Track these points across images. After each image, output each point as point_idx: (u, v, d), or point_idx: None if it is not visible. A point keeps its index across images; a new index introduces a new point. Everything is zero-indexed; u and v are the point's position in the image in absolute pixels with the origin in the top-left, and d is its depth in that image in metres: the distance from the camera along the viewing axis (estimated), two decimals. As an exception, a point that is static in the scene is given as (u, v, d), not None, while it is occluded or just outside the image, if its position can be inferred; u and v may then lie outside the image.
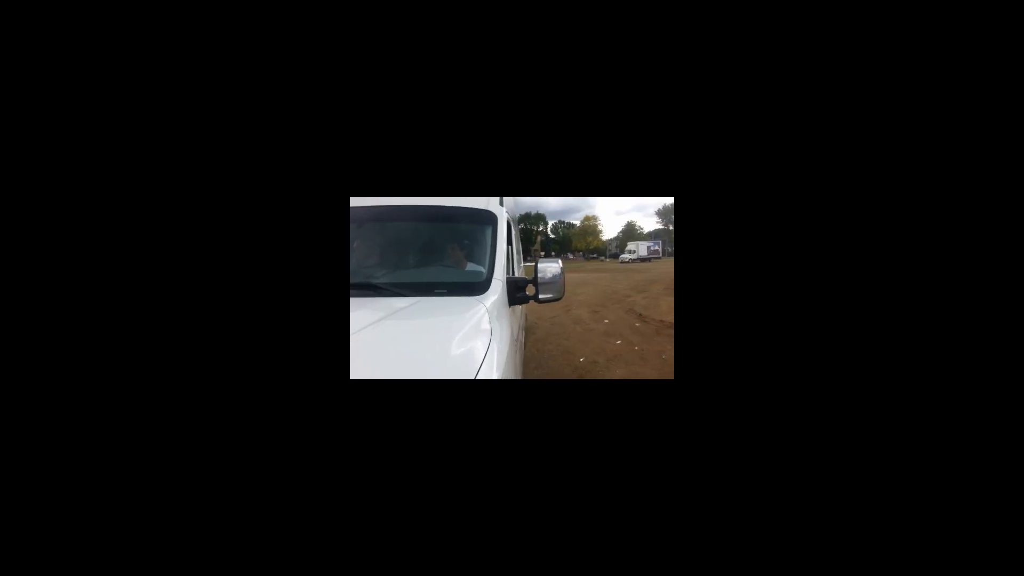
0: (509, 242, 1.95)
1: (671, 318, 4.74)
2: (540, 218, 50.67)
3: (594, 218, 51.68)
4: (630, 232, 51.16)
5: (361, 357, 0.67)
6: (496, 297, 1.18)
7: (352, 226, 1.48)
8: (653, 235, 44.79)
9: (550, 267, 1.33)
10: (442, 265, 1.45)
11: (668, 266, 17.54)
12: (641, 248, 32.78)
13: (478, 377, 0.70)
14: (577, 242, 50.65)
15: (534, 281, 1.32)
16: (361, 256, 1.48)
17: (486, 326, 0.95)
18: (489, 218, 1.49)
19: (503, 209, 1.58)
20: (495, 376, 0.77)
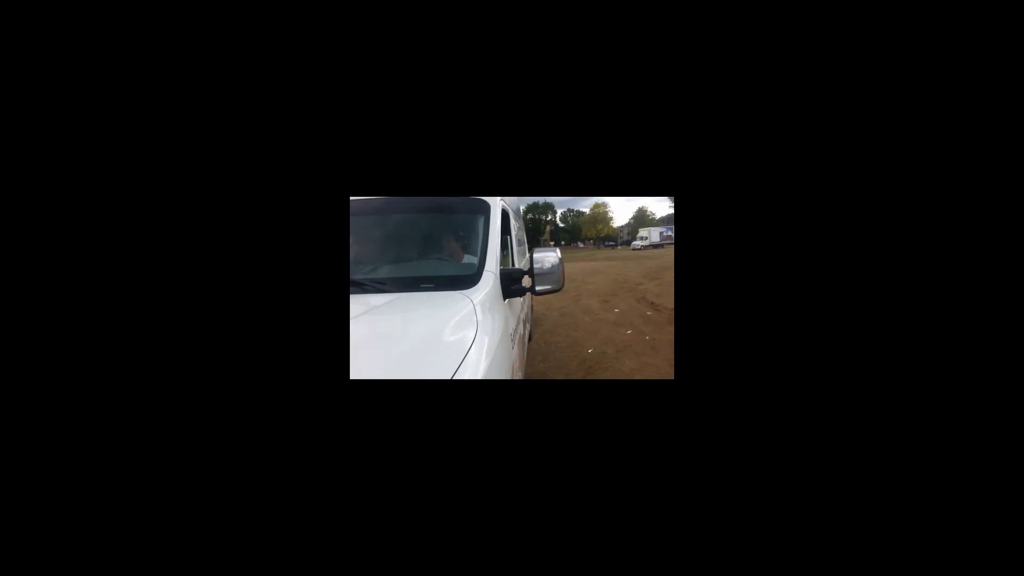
0: (507, 232, 1.89)
1: (684, 306, 4.60)
2: (548, 207, 50.09)
3: (604, 205, 50.77)
4: (642, 218, 50.07)
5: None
6: (487, 290, 1.12)
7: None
8: (665, 220, 43.67)
9: (547, 257, 1.27)
10: (433, 258, 1.40)
11: (682, 252, 17.10)
12: (654, 234, 32.06)
13: (455, 377, 0.67)
14: (587, 230, 49.98)
15: (530, 272, 1.25)
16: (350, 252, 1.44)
17: (471, 322, 0.91)
18: (480, 207, 1.42)
19: (497, 199, 1.51)
20: (479, 376, 0.74)
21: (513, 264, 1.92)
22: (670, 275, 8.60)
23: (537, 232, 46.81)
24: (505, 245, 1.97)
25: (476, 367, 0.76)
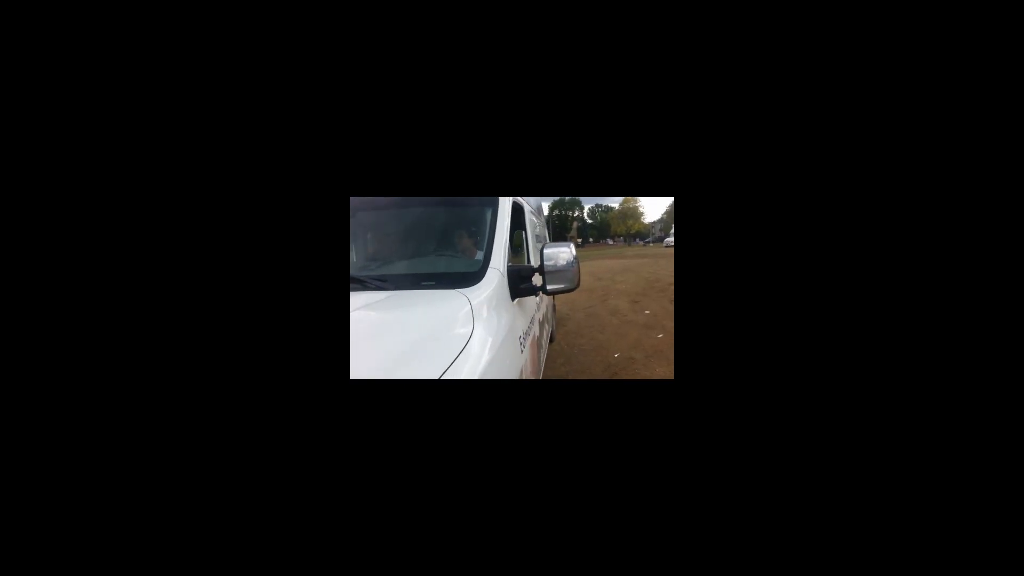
0: (520, 227, 1.78)
1: (723, 307, 4.27)
2: (575, 203, 49.21)
3: (634, 201, 49.19)
4: (675, 214, 48.00)
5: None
6: (491, 289, 1.02)
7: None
8: (702, 215, 41.38)
9: (560, 253, 1.14)
10: (440, 254, 1.32)
11: (721, 248, 16.14)
12: (689, 229, 30.58)
13: (444, 378, 0.64)
14: (617, 226, 48.65)
15: (540, 269, 1.14)
16: (356, 249, 1.40)
17: (466, 323, 0.83)
18: (487, 200, 1.32)
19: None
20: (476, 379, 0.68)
21: (529, 262, 1.80)
22: (707, 273, 8.09)
23: (563, 229, 46.18)
24: (520, 242, 1.87)
25: (472, 371, 0.71)
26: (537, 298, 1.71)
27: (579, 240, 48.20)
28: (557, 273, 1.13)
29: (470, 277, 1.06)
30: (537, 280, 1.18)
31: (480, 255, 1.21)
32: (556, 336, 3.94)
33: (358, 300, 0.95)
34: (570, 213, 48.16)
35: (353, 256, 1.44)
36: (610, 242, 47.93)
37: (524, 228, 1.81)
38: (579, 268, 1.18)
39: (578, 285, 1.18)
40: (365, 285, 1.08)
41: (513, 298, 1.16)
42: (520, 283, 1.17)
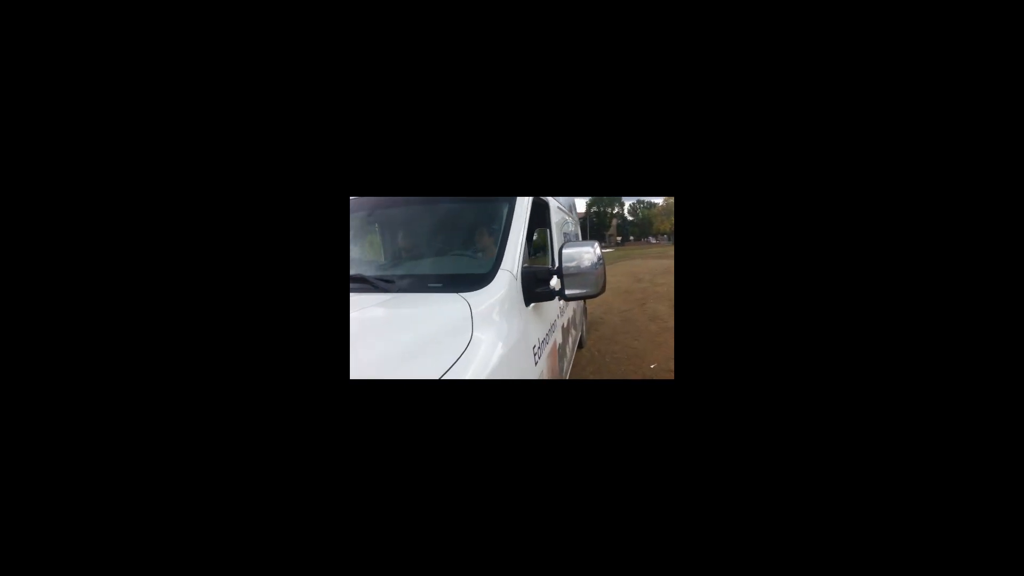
0: (542, 225, 1.66)
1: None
2: (614, 199, 47.60)
3: (681, 196, 46.49)
4: (727, 210, 44.68)
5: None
6: (500, 293, 0.93)
7: (355, 218, 1.39)
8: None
9: (582, 253, 1.01)
10: (454, 254, 1.25)
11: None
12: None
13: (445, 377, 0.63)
14: (660, 223, 46.37)
15: (558, 271, 1.02)
16: (366, 248, 1.37)
17: (463, 331, 0.76)
18: (502, 198, 1.23)
19: None
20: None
21: (553, 264, 1.69)
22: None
23: (602, 226, 44.91)
24: (545, 241, 1.75)
25: (465, 374, 0.67)
26: (560, 302, 1.59)
27: (619, 238, 46.61)
28: (578, 276, 1.00)
29: (478, 279, 0.97)
30: (556, 283, 1.07)
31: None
32: (586, 341, 3.76)
33: (360, 302, 0.91)
34: (609, 210, 46.67)
35: (366, 255, 1.41)
36: (652, 240, 45.86)
37: (549, 226, 1.69)
38: (604, 271, 1.05)
39: (602, 290, 1.04)
40: (375, 286, 1.03)
41: (528, 303, 1.06)
42: (536, 286, 1.06)
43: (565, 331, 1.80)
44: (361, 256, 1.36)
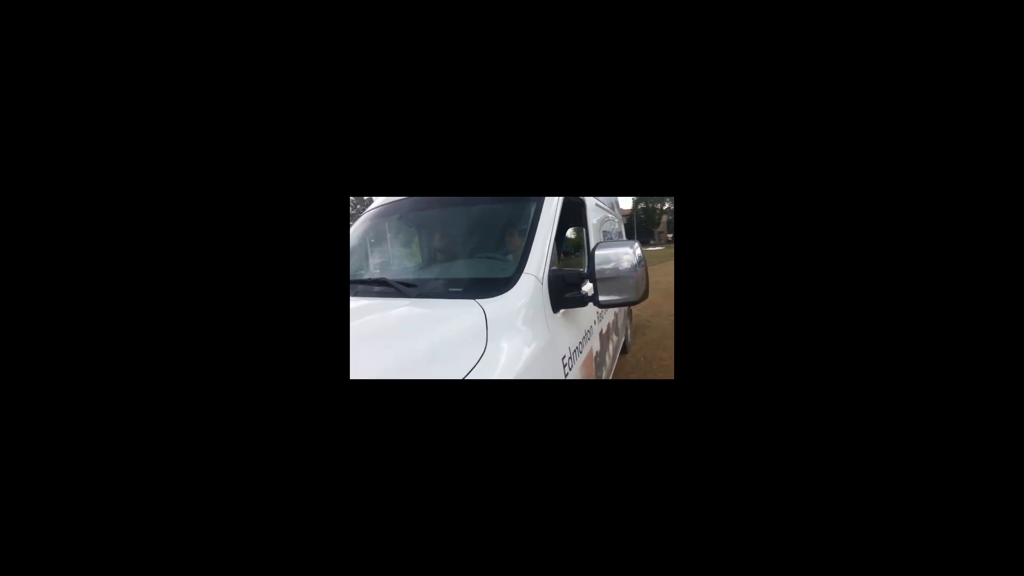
0: (577, 224, 1.56)
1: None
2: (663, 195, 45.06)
3: (741, 187, 42.79)
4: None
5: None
6: (522, 300, 0.86)
7: (382, 221, 1.40)
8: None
9: (619, 254, 0.91)
10: (481, 256, 1.20)
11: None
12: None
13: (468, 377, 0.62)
14: (716, 219, 42.97)
15: (590, 275, 0.92)
16: (390, 250, 1.37)
17: (476, 341, 0.71)
18: (527, 197, 1.15)
19: None
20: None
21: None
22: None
23: (650, 223, 42.77)
24: (580, 240, 1.64)
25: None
26: (599, 310, 1.48)
27: (670, 236, 44.06)
28: (614, 280, 0.90)
29: (499, 284, 0.91)
30: (589, 288, 0.97)
31: None
32: (631, 347, 3.54)
33: (374, 307, 0.89)
34: (658, 206, 44.31)
35: (397, 258, 1.42)
36: (707, 237, 42.69)
37: (585, 225, 1.58)
38: (646, 274, 0.93)
39: (643, 297, 0.93)
40: (398, 291, 1.01)
41: (556, 309, 0.97)
42: (565, 291, 0.97)
43: (604, 337, 1.67)
44: (388, 260, 1.36)
